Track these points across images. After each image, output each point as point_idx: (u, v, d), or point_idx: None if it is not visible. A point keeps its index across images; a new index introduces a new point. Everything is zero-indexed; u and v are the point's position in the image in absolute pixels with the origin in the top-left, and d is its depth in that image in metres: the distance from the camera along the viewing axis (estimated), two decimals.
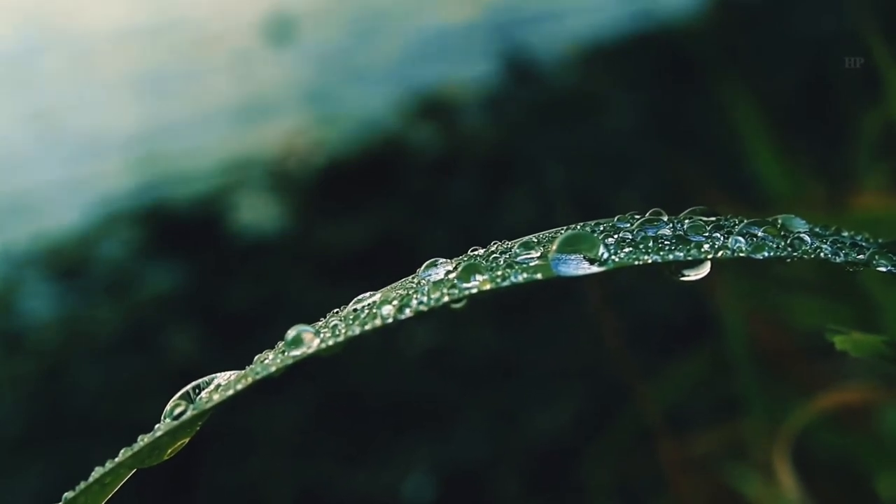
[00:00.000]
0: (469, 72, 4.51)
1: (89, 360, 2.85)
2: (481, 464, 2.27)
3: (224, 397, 0.35)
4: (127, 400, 2.61)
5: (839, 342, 0.43)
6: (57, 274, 3.36)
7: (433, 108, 4.21)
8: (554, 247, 0.35)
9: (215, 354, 2.75)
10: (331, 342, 0.34)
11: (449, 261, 0.37)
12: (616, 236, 0.36)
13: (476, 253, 0.37)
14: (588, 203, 3.08)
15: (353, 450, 2.38)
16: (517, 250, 0.36)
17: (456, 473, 2.26)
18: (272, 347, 0.38)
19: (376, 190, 3.61)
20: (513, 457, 2.27)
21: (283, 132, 4.21)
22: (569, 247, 0.35)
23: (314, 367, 2.59)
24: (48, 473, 2.35)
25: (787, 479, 1.06)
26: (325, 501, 2.25)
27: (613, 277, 2.50)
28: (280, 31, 5.19)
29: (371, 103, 4.37)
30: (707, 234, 0.36)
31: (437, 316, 2.65)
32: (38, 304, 3.20)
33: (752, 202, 1.59)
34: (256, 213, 3.63)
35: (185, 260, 3.35)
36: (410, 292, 0.35)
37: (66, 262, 3.41)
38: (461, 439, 2.35)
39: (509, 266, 0.35)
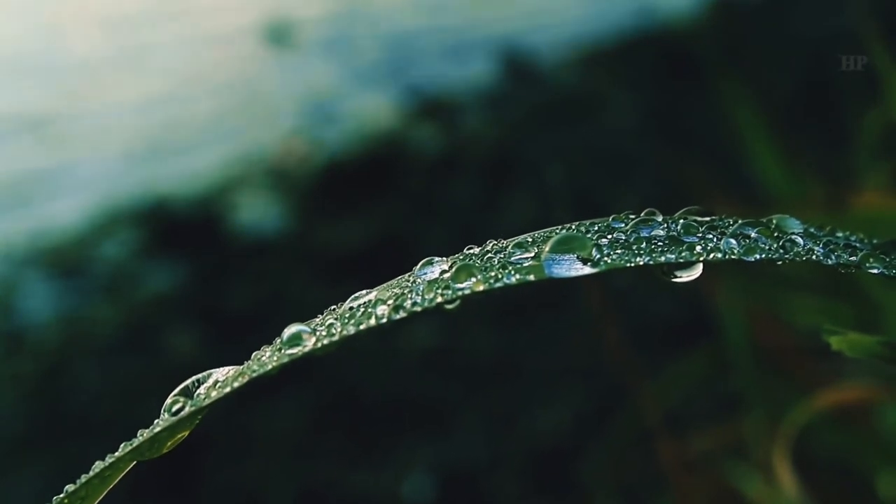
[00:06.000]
0: (469, 71, 4.51)
1: (89, 360, 2.85)
2: (481, 464, 2.27)
3: (221, 394, 0.36)
4: (126, 400, 2.61)
5: (835, 342, 0.43)
6: (57, 274, 3.36)
7: (433, 108, 4.21)
8: (547, 247, 0.35)
9: (215, 354, 2.75)
10: (326, 341, 0.35)
11: (445, 259, 0.37)
12: (610, 237, 0.36)
13: (471, 252, 0.38)
14: (588, 203, 3.08)
15: (352, 450, 2.38)
16: (512, 250, 0.36)
17: (456, 474, 2.26)
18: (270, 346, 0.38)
19: (376, 190, 3.61)
20: (513, 457, 2.28)
21: (283, 132, 4.22)
22: (562, 247, 0.35)
23: (314, 368, 2.59)
24: (48, 473, 2.36)
25: (787, 478, 1.06)
26: (325, 502, 2.26)
27: (613, 277, 2.50)
28: (280, 32, 5.20)
29: (371, 103, 4.38)
30: (700, 236, 0.36)
31: (436, 316, 2.65)
32: (38, 304, 3.21)
33: (753, 202, 1.59)
34: (256, 213, 3.63)
35: (185, 260, 3.35)
36: (406, 291, 0.35)
37: (66, 262, 3.42)
38: (461, 440, 2.35)
39: (503, 267, 0.35)
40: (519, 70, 4.47)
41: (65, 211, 3.77)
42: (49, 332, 3.02)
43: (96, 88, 4.94)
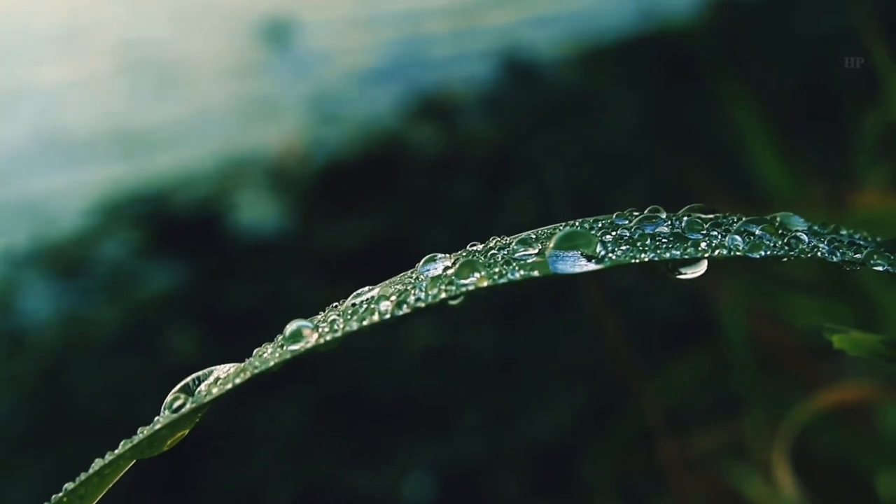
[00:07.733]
0: (469, 71, 4.51)
1: (89, 360, 2.85)
2: (481, 463, 2.27)
3: (223, 391, 0.35)
4: (126, 400, 2.61)
5: (837, 341, 0.43)
6: (57, 274, 3.36)
7: (433, 108, 4.21)
8: (551, 244, 0.35)
9: (215, 354, 2.75)
10: (329, 337, 0.34)
11: (448, 256, 0.37)
12: (614, 233, 0.36)
13: (474, 249, 0.37)
14: (587, 202, 3.08)
15: (353, 449, 2.38)
16: (515, 246, 0.36)
17: (456, 473, 2.26)
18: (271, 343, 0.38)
19: (377, 190, 3.61)
20: (513, 457, 2.27)
21: (283, 132, 4.21)
22: (566, 244, 0.34)
23: (314, 366, 2.59)
24: (48, 473, 2.35)
25: (786, 478, 1.06)
26: (325, 501, 2.25)
27: (613, 276, 2.50)
28: (279, 32, 5.19)
29: (371, 103, 4.37)
30: (704, 232, 0.36)
31: (437, 315, 2.65)
32: (38, 304, 3.20)
33: (753, 202, 1.59)
34: (256, 213, 3.63)
35: (185, 260, 3.35)
36: (409, 288, 0.35)
37: (66, 262, 3.41)
38: (461, 439, 2.35)
39: (507, 263, 0.35)
40: (519, 70, 4.47)
41: (62, 210, 3.77)
42: (49, 332, 3.02)
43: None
